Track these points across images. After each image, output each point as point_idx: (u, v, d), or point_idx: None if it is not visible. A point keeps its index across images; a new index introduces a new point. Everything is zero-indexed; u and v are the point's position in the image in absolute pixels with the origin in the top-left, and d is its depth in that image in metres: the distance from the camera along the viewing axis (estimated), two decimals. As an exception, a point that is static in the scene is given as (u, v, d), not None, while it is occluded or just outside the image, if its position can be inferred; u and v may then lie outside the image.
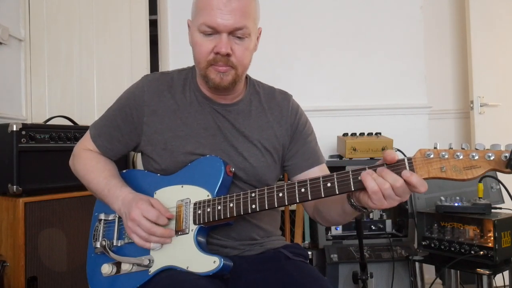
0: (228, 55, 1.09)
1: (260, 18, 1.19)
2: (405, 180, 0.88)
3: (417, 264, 2.04)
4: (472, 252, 1.80)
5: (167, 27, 2.84)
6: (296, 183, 1.00)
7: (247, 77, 1.30)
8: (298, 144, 1.26)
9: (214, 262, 1.03)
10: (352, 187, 0.94)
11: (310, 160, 1.25)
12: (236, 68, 1.12)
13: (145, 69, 2.69)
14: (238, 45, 1.10)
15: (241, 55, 1.11)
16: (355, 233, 1.99)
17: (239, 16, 1.07)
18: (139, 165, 2.40)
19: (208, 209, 1.08)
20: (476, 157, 0.86)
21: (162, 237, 1.08)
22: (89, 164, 1.25)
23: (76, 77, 2.52)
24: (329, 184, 0.95)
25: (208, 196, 1.10)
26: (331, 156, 2.48)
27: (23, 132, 1.75)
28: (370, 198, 0.92)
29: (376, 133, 2.43)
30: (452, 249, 1.87)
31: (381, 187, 0.89)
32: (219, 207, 1.07)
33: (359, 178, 0.92)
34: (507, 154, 0.84)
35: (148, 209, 1.08)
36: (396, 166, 0.90)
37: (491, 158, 0.85)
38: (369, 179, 0.90)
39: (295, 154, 1.25)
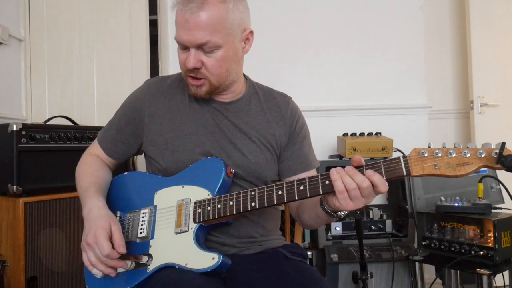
0: (196, 68, 1.12)
1: (246, 21, 1.17)
2: (367, 178, 0.93)
3: (417, 264, 2.04)
4: (472, 252, 1.80)
5: (167, 27, 2.84)
6: (295, 181, 1.02)
7: (246, 77, 1.32)
8: (293, 147, 1.27)
9: (213, 258, 1.04)
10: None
11: (303, 164, 1.28)
12: (209, 79, 1.15)
13: (145, 69, 2.69)
14: (208, 57, 1.12)
15: (212, 67, 1.13)
16: (355, 233, 1.99)
17: (201, 32, 1.08)
18: (139, 166, 2.40)
19: (208, 208, 1.09)
20: (468, 155, 0.90)
21: (106, 271, 1.05)
22: (83, 167, 1.29)
23: (76, 77, 2.52)
24: (327, 182, 0.98)
25: (208, 195, 1.12)
26: (331, 156, 2.47)
27: (23, 132, 1.75)
28: (337, 198, 0.96)
29: (376, 133, 2.43)
30: (452, 249, 1.87)
31: (347, 187, 0.94)
32: (219, 206, 1.08)
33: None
34: (497, 151, 0.88)
35: (102, 245, 1.03)
36: (362, 168, 0.96)
37: (482, 155, 0.89)
38: (337, 178, 0.95)
39: (290, 157, 1.27)
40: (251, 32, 1.20)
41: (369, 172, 0.94)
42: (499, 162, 0.87)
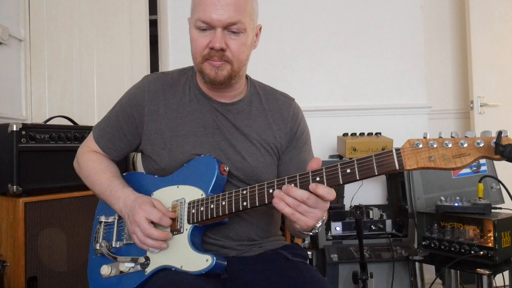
0: (222, 50, 1.09)
1: (258, 15, 1.19)
2: (312, 192, 0.92)
3: (417, 264, 2.04)
4: (472, 252, 1.80)
5: (167, 27, 2.84)
6: (286, 179, 0.99)
7: (247, 77, 1.30)
8: (293, 151, 1.26)
9: (207, 260, 1.03)
10: (341, 180, 0.94)
11: (302, 170, 1.25)
12: (232, 63, 1.12)
13: (145, 69, 2.69)
14: (233, 40, 1.10)
15: (237, 50, 1.11)
16: (355, 233, 1.99)
17: (232, 11, 1.07)
18: (139, 166, 2.40)
19: (202, 208, 1.08)
20: (465, 145, 0.84)
21: (158, 239, 1.07)
22: (92, 165, 1.26)
23: (76, 77, 2.52)
24: (318, 179, 0.95)
25: (202, 195, 1.11)
26: (331, 156, 2.47)
27: (23, 132, 1.75)
28: (291, 221, 0.96)
29: (376, 133, 2.43)
30: (452, 249, 1.87)
31: (293, 207, 0.94)
32: (212, 206, 1.07)
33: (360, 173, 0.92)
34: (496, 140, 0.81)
35: (151, 211, 1.08)
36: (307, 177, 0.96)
37: (481, 145, 0.82)
38: (281, 204, 0.95)
39: (289, 162, 1.25)
40: (260, 28, 1.20)
41: (312, 186, 0.93)
42: (498, 153, 0.80)
